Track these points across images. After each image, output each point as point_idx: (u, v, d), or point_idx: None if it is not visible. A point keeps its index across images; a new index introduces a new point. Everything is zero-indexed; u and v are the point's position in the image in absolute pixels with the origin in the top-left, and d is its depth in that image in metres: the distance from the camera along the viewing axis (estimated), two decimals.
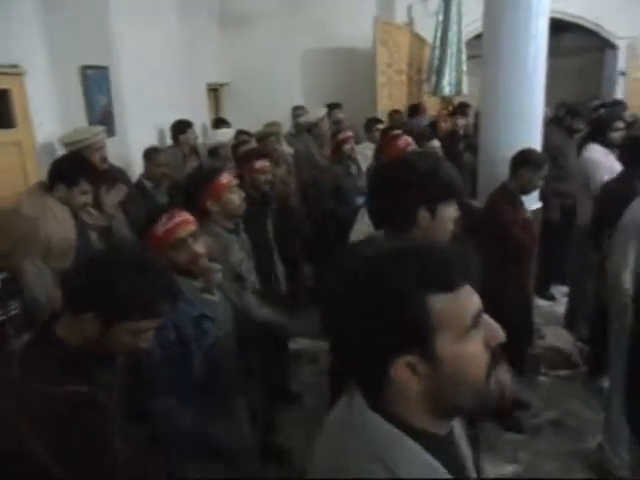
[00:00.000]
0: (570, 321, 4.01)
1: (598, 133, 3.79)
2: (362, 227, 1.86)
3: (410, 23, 6.41)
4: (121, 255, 1.35)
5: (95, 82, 3.64)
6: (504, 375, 1.37)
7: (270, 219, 2.99)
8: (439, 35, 5.45)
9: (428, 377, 0.72)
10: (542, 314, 4.15)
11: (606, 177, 3.48)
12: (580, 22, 6.44)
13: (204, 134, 5.28)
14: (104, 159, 3.09)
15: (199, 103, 5.70)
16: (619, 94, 6.47)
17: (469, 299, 0.73)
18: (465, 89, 5.52)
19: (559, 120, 4.87)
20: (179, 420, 1.64)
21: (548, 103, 5.10)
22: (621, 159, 3.40)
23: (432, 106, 6.26)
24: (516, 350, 2.96)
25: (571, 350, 3.67)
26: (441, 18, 5.41)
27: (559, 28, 6.17)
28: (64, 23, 3.46)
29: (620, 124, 3.79)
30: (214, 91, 6.54)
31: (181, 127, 4.33)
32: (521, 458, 2.84)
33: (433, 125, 5.59)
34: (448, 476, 0.74)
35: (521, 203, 3.03)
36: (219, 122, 5.47)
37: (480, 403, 0.75)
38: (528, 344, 3.24)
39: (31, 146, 3.33)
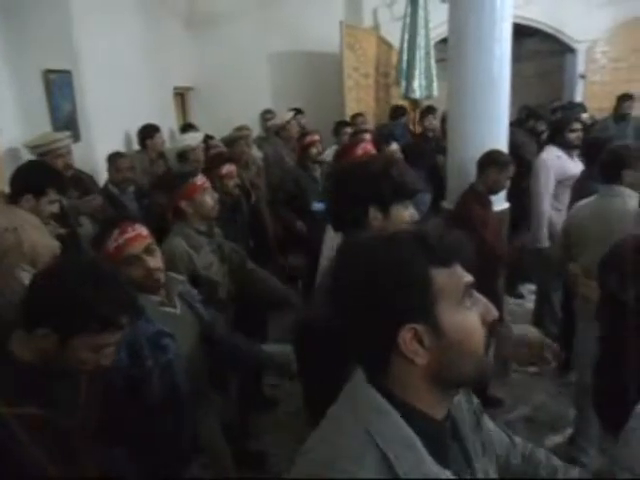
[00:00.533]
0: (538, 318, 4.09)
1: (556, 135, 3.89)
2: (330, 235, 1.86)
3: (376, 27, 6.47)
4: (77, 266, 1.28)
5: (58, 86, 3.54)
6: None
7: (241, 224, 2.98)
8: (406, 38, 5.52)
9: (433, 348, 0.77)
10: (511, 312, 4.24)
11: (555, 179, 3.60)
12: (540, 27, 6.61)
13: (172, 139, 5.22)
14: (68, 166, 3.02)
15: (166, 107, 5.63)
16: (579, 97, 6.67)
17: (461, 274, 0.80)
18: (435, 91, 5.61)
19: (522, 122, 5.00)
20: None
21: (511, 106, 5.24)
22: (582, 158, 3.52)
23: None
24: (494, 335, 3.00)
25: None
26: (407, 22, 5.49)
27: (520, 33, 6.33)
28: (25, 26, 3.37)
29: (577, 125, 3.88)
30: (180, 95, 6.47)
31: (148, 132, 4.27)
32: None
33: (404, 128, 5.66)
34: (426, 456, 0.76)
35: (490, 203, 3.09)
36: (187, 127, 5.41)
37: (480, 374, 0.81)
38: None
39: None
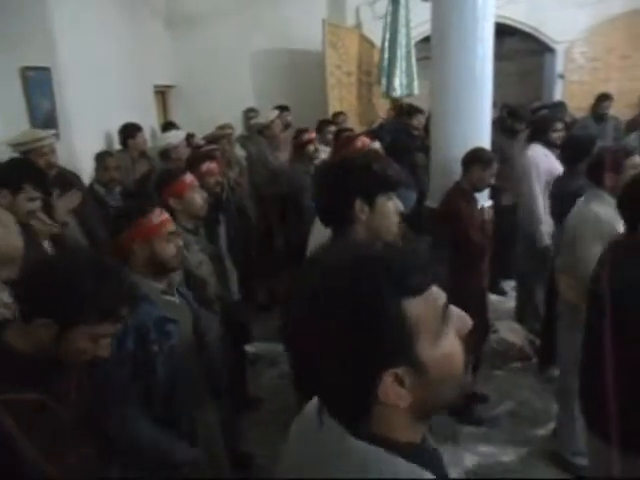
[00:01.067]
0: (521, 315, 4.15)
1: (539, 134, 3.94)
2: (317, 227, 1.87)
3: (358, 26, 6.47)
4: (78, 258, 1.32)
5: (37, 84, 3.47)
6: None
7: (223, 224, 2.96)
8: (388, 37, 5.54)
9: (416, 386, 0.69)
10: (494, 309, 4.28)
11: (544, 177, 3.64)
12: (520, 27, 6.68)
13: (153, 137, 5.16)
14: (52, 164, 2.96)
15: (146, 105, 5.56)
16: (558, 96, 6.75)
17: (436, 297, 0.71)
18: (416, 90, 5.63)
19: (502, 121, 5.04)
20: (133, 431, 1.60)
21: (492, 105, 5.28)
22: (562, 158, 3.54)
23: (383, 108, 6.36)
24: (472, 345, 3.03)
25: (522, 343, 3.81)
26: (389, 20, 5.51)
27: (500, 32, 6.38)
28: (2, 23, 3.29)
29: (559, 125, 3.94)
30: (161, 93, 6.40)
31: (130, 131, 4.21)
32: (481, 450, 2.91)
33: (382, 127, 5.68)
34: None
35: (475, 201, 3.11)
36: (168, 125, 5.36)
37: (461, 392, 0.76)
38: (483, 339, 3.33)
39: None
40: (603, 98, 5.39)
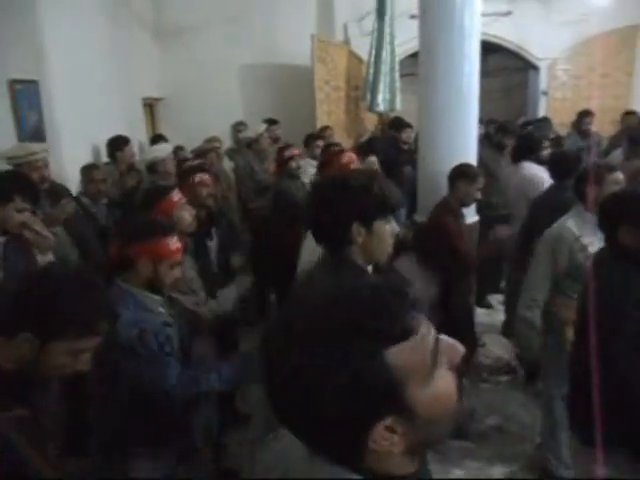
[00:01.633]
0: (508, 329, 4.17)
1: (529, 151, 4.00)
2: (309, 242, 1.88)
3: (347, 42, 6.55)
4: (58, 272, 1.34)
5: (25, 96, 3.46)
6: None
7: (216, 238, 2.96)
8: (373, 53, 5.62)
9: (409, 431, 0.66)
10: (481, 322, 4.31)
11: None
12: (504, 44, 6.82)
13: (141, 150, 5.15)
14: (44, 178, 2.95)
15: (135, 118, 5.56)
16: (542, 112, 6.88)
17: (426, 337, 0.67)
18: (398, 105, 5.70)
19: (489, 136, 5.12)
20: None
21: (483, 120, 5.36)
22: (550, 174, 3.59)
23: (371, 122, 6.42)
24: (461, 360, 3.04)
25: (509, 356, 3.83)
26: (375, 37, 5.59)
27: (486, 49, 6.51)
28: None
29: (547, 143, 4.03)
30: (150, 106, 6.40)
31: (118, 144, 4.20)
32: (468, 464, 2.91)
33: (370, 141, 5.73)
34: None
35: (462, 216, 3.15)
36: (157, 138, 5.35)
37: (455, 423, 0.73)
38: (471, 353, 3.34)
39: None
40: (585, 114, 5.50)
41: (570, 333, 2.19)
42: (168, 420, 1.73)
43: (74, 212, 3.08)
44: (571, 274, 2.51)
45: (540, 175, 3.82)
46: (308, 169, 4.17)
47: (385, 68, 5.62)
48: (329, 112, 6.01)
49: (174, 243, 1.77)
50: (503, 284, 4.54)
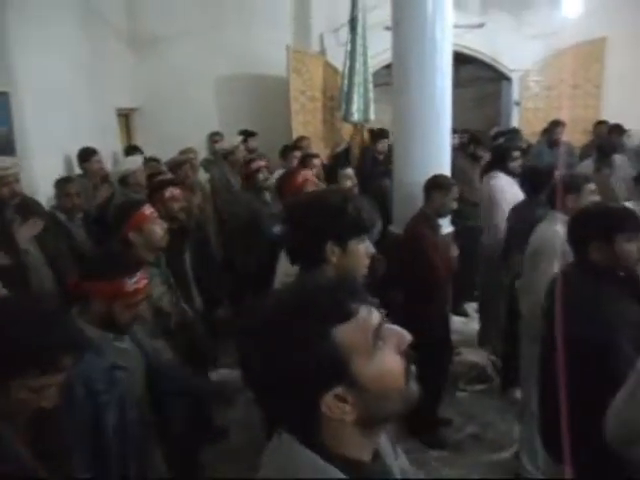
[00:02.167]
0: (483, 336, 4.21)
1: (499, 162, 4.06)
2: (284, 263, 1.86)
3: (322, 52, 6.59)
4: (16, 306, 1.23)
5: None
6: None
7: (189, 251, 2.92)
8: (348, 64, 5.67)
9: (358, 402, 0.77)
10: (457, 331, 4.33)
11: (509, 204, 3.73)
12: (477, 55, 6.92)
13: (115, 162, 5.08)
14: (15, 193, 2.88)
15: (108, 129, 5.49)
16: (515, 122, 6.99)
17: (367, 318, 0.79)
18: (372, 115, 5.75)
19: (464, 147, 5.18)
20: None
21: (457, 131, 5.43)
22: (523, 188, 3.62)
23: (347, 132, 6.44)
24: (437, 368, 3.06)
25: (485, 364, 3.87)
26: (349, 48, 5.64)
27: (459, 60, 6.61)
28: None
29: (516, 154, 4.06)
30: (125, 116, 6.33)
31: (84, 155, 4.14)
32: (446, 473, 2.92)
33: (347, 152, 5.76)
34: None
35: (439, 227, 3.17)
36: (131, 149, 5.29)
37: (406, 403, 0.82)
38: (448, 362, 3.36)
39: None
40: (556, 124, 5.61)
41: None
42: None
43: (47, 228, 2.99)
44: None
45: (504, 188, 3.86)
46: None
47: (359, 79, 5.67)
48: (305, 122, 6.02)
49: (133, 283, 1.69)
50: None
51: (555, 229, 2.54)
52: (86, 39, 4.93)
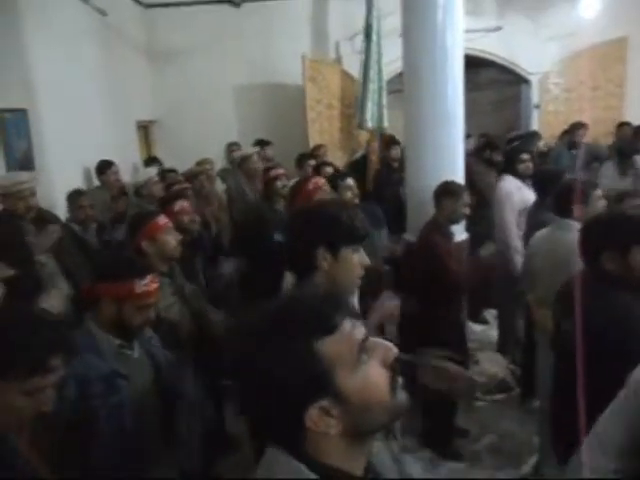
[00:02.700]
0: (502, 345, 4.14)
1: (509, 165, 4.00)
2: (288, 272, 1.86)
3: (339, 60, 6.61)
4: (3, 312, 1.30)
5: (13, 125, 3.48)
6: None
7: (200, 262, 2.95)
8: (362, 72, 5.67)
9: (342, 414, 0.77)
10: (477, 338, 4.28)
11: (517, 208, 3.68)
12: (495, 59, 6.85)
13: (136, 173, 5.17)
14: (30, 208, 2.94)
15: (128, 141, 5.60)
16: (535, 125, 6.88)
17: (352, 332, 0.80)
18: (386, 122, 5.73)
19: (480, 152, 5.12)
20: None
21: (471, 135, 5.38)
22: (534, 190, 3.59)
23: (365, 139, 6.43)
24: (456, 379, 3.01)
25: (504, 374, 3.79)
26: (364, 57, 5.64)
27: (478, 63, 6.56)
28: None
29: (525, 156, 3.98)
30: (144, 128, 6.44)
31: (101, 167, 4.25)
32: None
33: (365, 159, 5.74)
34: None
35: (451, 234, 3.13)
36: (150, 161, 5.38)
37: (392, 416, 0.83)
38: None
39: None
40: (578, 126, 5.49)
41: None
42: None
43: (63, 239, 3.06)
44: None
45: (511, 191, 3.80)
46: None
47: (373, 86, 5.66)
48: (321, 131, 6.03)
49: (143, 285, 1.70)
50: None
51: (563, 237, 2.49)
52: (105, 53, 5.05)
